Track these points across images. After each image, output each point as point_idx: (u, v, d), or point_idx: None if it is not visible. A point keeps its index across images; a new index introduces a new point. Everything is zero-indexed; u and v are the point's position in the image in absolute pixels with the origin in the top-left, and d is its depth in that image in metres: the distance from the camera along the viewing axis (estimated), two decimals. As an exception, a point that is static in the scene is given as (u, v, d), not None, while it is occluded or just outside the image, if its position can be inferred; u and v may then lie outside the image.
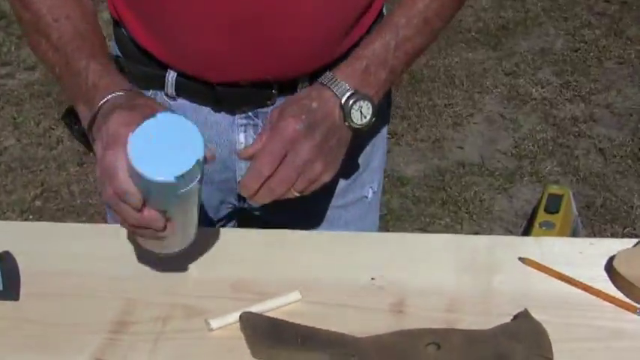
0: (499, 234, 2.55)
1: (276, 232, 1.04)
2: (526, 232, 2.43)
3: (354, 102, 1.00)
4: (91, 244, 1.05)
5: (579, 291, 0.96)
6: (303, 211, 1.18)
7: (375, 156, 1.26)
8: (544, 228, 2.18)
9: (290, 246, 1.03)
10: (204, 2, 1.01)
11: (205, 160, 0.85)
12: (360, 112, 1.01)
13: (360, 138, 1.17)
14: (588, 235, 2.50)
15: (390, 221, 2.62)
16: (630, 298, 0.95)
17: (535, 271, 0.99)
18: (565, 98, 3.23)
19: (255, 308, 0.93)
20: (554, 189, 2.36)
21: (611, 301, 0.95)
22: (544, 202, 2.30)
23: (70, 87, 1.02)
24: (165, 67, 1.10)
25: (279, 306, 0.94)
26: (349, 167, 1.20)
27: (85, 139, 1.16)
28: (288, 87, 1.09)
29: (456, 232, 2.56)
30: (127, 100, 0.94)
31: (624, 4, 3.81)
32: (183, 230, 0.93)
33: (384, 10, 1.15)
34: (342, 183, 1.22)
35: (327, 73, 1.02)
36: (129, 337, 0.91)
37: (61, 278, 0.99)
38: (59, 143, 3.05)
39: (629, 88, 3.29)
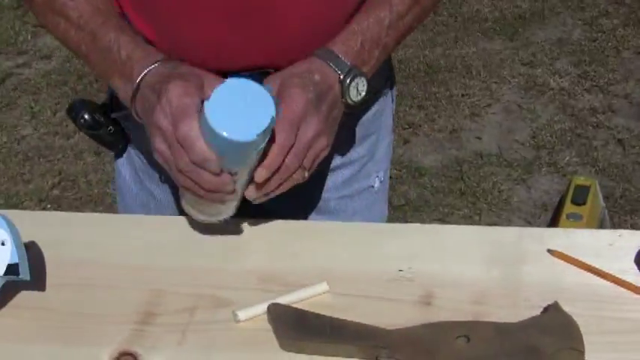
0: (518, 225, 2.54)
1: (303, 223, 1.04)
2: (552, 223, 2.41)
3: (352, 78, 1.00)
4: (115, 233, 1.04)
5: (609, 283, 0.95)
6: (309, 201, 1.18)
7: (380, 145, 1.25)
8: (571, 220, 2.16)
9: (317, 237, 1.03)
10: None
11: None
12: (357, 89, 1.01)
13: (365, 127, 1.19)
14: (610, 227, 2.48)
15: (408, 212, 2.62)
16: (661, 291, 0.94)
17: (564, 263, 0.98)
18: (583, 88, 3.21)
19: (282, 299, 0.92)
20: (580, 180, 2.34)
21: (641, 294, 0.94)
22: (571, 193, 2.28)
23: (101, 63, 1.02)
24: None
25: (306, 297, 0.93)
26: (354, 156, 1.21)
27: (92, 132, 1.18)
28: None
29: (474, 222, 2.55)
30: (173, 70, 0.95)
31: (642, -7, 3.79)
32: (240, 194, 0.95)
33: None
34: (347, 172, 1.21)
35: (324, 48, 1.01)
36: (156, 328, 0.91)
37: (86, 268, 0.99)
38: (76, 132, 3.05)
39: (648, 78, 3.28)
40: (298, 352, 0.87)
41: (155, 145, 0.94)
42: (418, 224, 1.07)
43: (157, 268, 0.98)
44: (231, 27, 1.03)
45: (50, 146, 3.07)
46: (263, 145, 0.88)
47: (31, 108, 3.29)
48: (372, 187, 1.25)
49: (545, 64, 3.37)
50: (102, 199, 2.80)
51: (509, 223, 2.56)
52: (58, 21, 1.05)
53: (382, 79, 1.22)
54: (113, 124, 1.18)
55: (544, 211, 2.62)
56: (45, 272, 0.98)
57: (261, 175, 0.92)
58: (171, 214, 1.23)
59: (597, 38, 3.52)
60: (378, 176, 1.26)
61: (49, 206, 2.78)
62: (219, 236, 1.02)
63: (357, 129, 1.19)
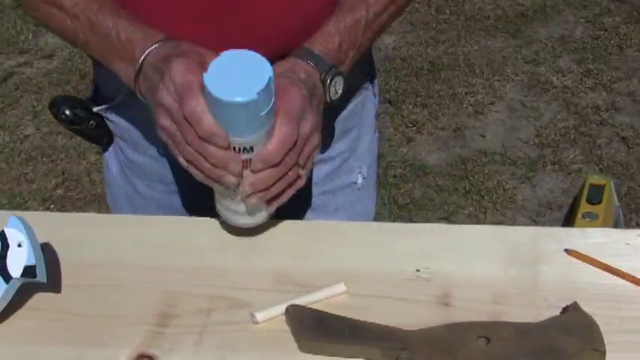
0: (523, 224, 2.54)
1: (318, 223, 1.04)
2: (567, 223, 2.40)
3: (332, 77, 1.01)
4: (129, 234, 1.04)
5: (627, 283, 0.95)
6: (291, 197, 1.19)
7: (362, 141, 1.26)
8: (587, 219, 2.16)
9: (332, 237, 1.02)
10: None
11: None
12: (335, 87, 1.02)
13: (344, 122, 1.21)
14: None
15: (413, 210, 2.61)
16: (680, 291, 0.93)
17: (581, 262, 0.98)
18: (586, 86, 3.20)
19: (300, 300, 0.92)
20: (595, 179, 2.34)
21: (660, 294, 0.93)
22: (586, 192, 2.27)
23: (101, 49, 1.03)
24: None
25: (324, 298, 0.93)
26: (335, 151, 1.22)
27: (74, 127, 1.20)
28: None
29: (479, 221, 2.55)
30: (174, 49, 0.95)
31: (645, -9, 3.79)
32: None
33: None
34: (327, 167, 1.22)
35: (303, 47, 1.02)
36: (173, 329, 0.90)
37: (100, 269, 0.98)
38: (79, 132, 3.04)
39: (651, 76, 3.28)
40: (317, 353, 0.87)
41: (159, 122, 0.94)
42: (432, 224, 1.06)
43: (172, 269, 0.98)
44: (207, 27, 1.04)
45: (53, 146, 3.06)
46: (267, 111, 0.88)
47: (34, 107, 3.28)
48: (355, 183, 1.26)
49: (548, 62, 3.37)
50: (106, 198, 2.78)
51: (514, 221, 2.55)
52: (52, 12, 1.05)
53: (361, 75, 1.23)
54: (95, 119, 1.19)
55: (549, 210, 2.61)
56: (60, 274, 0.97)
57: (256, 165, 0.91)
58: (154, 209, 1.25)
59: (600, 36, 3.52)
60: (360, 172, 1.26)
61: (52, 206, 2.77)
62: (235, 237, 1.01)
63: (337, 124, 1.20)
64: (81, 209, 2.71)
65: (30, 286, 0.92)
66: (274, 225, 1.04)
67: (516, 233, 1.03)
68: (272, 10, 1.04)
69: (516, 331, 0.87)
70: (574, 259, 0.98)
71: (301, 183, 0.98)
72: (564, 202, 2.64)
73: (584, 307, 0.90)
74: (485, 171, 2.78)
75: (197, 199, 1.22)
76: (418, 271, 0.97)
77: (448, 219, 2.57)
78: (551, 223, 2.53)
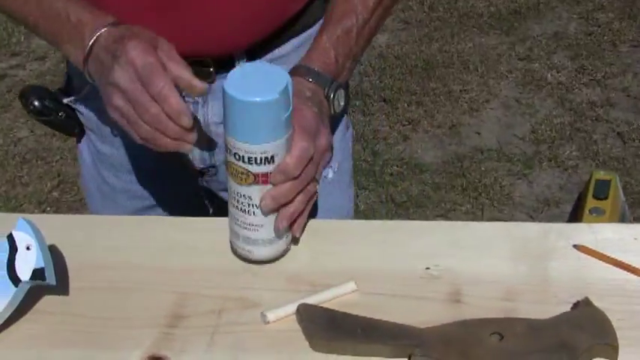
0: (521, 220, 2.54)
1: (325, 222, 1.03)
2: (573, 219, 2.40)
3: (335, 91, 1.03)
4: (136, 235, 1.03)
5: (637, 278, 0.95)
6: None
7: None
8: (594, 214, 2.15)
9: (341, 236, 1.02)
10: None
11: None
12: (338, 100, 1.04)
13: None
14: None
15: (410, 208, 2.61)
16: (690, 285, 0.93)
17: (590, 258, 0.98)
18: (581, 82, 3.21)
19: (310, 300, 0.91)
20: (601, 174, 2.33)
21: (671, 288, 0.93)
22: (592, 188, 2.27)
23: (50, 32, 1.04)
24: None
25: (334, 297, 0.92)
26: None
27: (43, 118, 1.21)
28: (225, 64, 1.10)
29: (477, 218, 2.55)
30: (127, 30, 0.96)
31: (637, -14, 3.80)
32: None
33: None
34: None
35: (302, 66, 1.04)
36: (184, 330, 0.89)
37: (108, 271, 0.98)
38: (74, 134, 3.03)
39: (646, 71, 3.28)
40: (329, 352, 0.86)
41: (113, 102, 0.95)
42: (441, 221, 1.06)
43: (181, 270, 0.97)
44: (160, 15, 1.05)
45: (47, 148, 3.05)
46: (287, 117, 0.88)
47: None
48: (326, 177, 1.26)
49: (542, 58, 3.37)
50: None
51: (511, 218, 2.56)
52: None
53: None
54: (66, 110, 1.20)
55: (547, 206, 2.62)
56: (68, 276, 0.96)
57: (275, 177, 0.91)
58: (124, 200, 1.27)
59: (593, 32, 3.53)
60: (331, 167, 1.26)
61: (48, 209, 2.76)
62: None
63: None
64: (77, 212, 2.70)
65: (37, 289, 0.91)
66: (283, 224, 1.03)
67: (524, 230, 1.03)
68: (223, 6, 1.05)
69: (529, 328, 0.87)
70: (583, 255, 0.98)
71: (315, 198, 0.98)
72: (561, 199, 2.64)
73: (596, 303, 0.89)
74: (482, 168, 2.78)
75: (166, 188, 1.24)
76: (428, 268, 0.96)
77: (445, 216, 2.57)
78: (549, 220, 2.53)
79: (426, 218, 2.54)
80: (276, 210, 0.93)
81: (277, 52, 1.15)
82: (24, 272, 0.87)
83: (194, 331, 0.89)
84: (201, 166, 1.21)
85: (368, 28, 1.09)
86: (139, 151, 1.18)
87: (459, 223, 1.05)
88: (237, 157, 0.89)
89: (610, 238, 1.00)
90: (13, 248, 0.88)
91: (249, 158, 0.88)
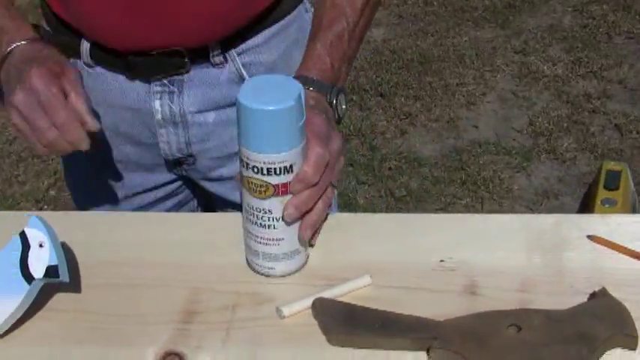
0: (521, 213, 2.54)
1: (338, 215, 1.02)
2: (584, 209, 2.38)
3: (336, 96, 1.04)
4: (148, 231, 1.02)
5: (652, 267, 0.95)
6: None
7: None
8: (607, 205, 2.14)
9: (353, 229, 1.01)
10: None
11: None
12: (340, 105, 1.04)
13: None
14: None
15: (410, 202, 2.61)
16: None
17: (604, 248, 0.97)
18: (577, 75, 3.21)
19: (326, 294, 0.90)
20: (611, 165, 2.32)
21: (686, 277, 0.93)
22: (602, 178, 2.26)
23: None
24: (80, 36, 1.14)
25: (349, 291, 0.92)
26: None
27: None
28: (199, 54, 1.12)
29: (477, 212, 2.55)
30: (39, 52, 1.01)
31: (631, -22, 3.80)
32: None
33: None
34: None
35: (300, 76, 1.04)
36: (199, 326, 0.89)
37: (120, 268, 0.97)
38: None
39: (641, 62, 3.29)
40: (346, 346, 0.86)
41: (12, 119, 1.00)
42: (454, 214, 1.06)
43: (194, 266, 0.96)
44: (134, 7, 1.06)
45: (43, 146, 3.03)
46: (302, 124, 0.87)
47: (22, 108, 3.24)
48: None
49: (538, 51, 3.37)
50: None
51: (511, 210, 2.56)
52: None
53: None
54: None
55: (545, 199, 2.61)
56: (79, 273, 0.96)
57: (295, 186, 0.90)
58: (103, 189, 1.28)
59: (588, 24, 3.53)
60: None
61: (45, 207, 2.74)
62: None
63: None
64: (75, 209, 2.68)
65: (50, 286, 0.91)
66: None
67: (537, 221, 1.02)
68: None
69: (547, 319, 0.86)
70: (597, 246, 0.98)
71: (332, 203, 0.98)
72: (560, 191, 2.64)
73: (612, 293, 0.89)
74: (481, 161, 2.78)
75: (145, 176, 1.26)
76: (442, 261, 0.96)
77: (445, 210, 2.56)
78: (549, 212, 2.53)
79: (426, 212, 2.53)
80: (299, 219, 0.92)
81: (251, 42, 1.16)
82: (37, 270, 0.86)
83: (209, 327, 0.89)
84: (179, 155, 1.21)
85: (358, 30, 1.10)
86: (117, 140, 1.21)
87: (472, 215, 1.04)
88: (255, 170, 0.87)
89: (623, 229, 1.00)
90: (25, 246, 0.87)
91: (268, 170, 0.87)
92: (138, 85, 1.15)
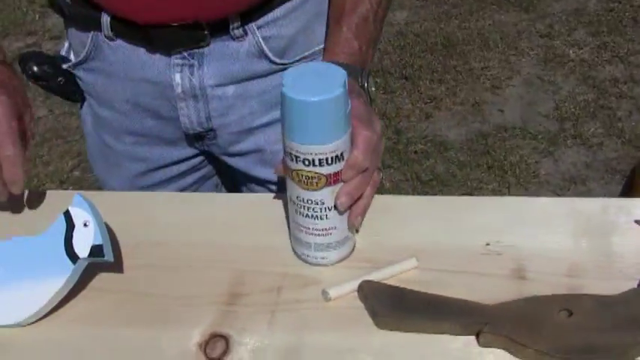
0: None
1: (383, 197, 1.01)
2: (627, 194, 2.34)
3: (367, 79, 1.03)
4: (192, 211, 1.01)
5: (702, 253, 0.93)
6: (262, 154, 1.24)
7: None
8: None
9: (399, 212, 1.00)
10: None
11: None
12: (370, 87, 1.04)
13: None
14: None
15: (436, 186, 2.59)
16: None
17: (653, 233, 0.96)
18: (603, 59, 3.18)
19: (372, 276, 0.89)
20: None
21: None
22: None
23: None
24: (101, 10, 1.12)
25: (395, 274, 0.91)
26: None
27: (41, 83, 1.23)
28: (220, 27, 1.11)
29: (503, 196, 2.53)
30: (5, 79, 1.00)
31: (658, -39, 3.76)
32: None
33: None
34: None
35: (329, 61, 1.03)
36: (244, 308, 0.88)
37: (161, 248, 0.96)
38: (93, 113, 3.01)
39: (669, 47, 3.25)
40: (394, 329, 0.85)
41: None
42: (499, 197, 1.04)
43: (238, 247, 0.95)
44: None
45: (67, 127, 3.03)
46: (349, 110, 0.85)
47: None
48: None
49: (563, 35, 3.34)
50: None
51: (538, 196, 2.53)
52: None
53: None
54: (65, 76, 1.22)
55: (573, 184, 2.59)
56: (121, 254, 0.95)
57: (347, 174, 0.88)
58: (127, 162, 1.28)
59: (614, 8, 3.49)
60: None
61: (70, 188, 2.74)
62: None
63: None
64: (99, 190, 2.68)
65: (92, 266, 0.90)
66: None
67: (584, 205, 1.01)
68: None
69: (598, 304, 0.85)
70: (646, 230, 0.96)
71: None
72: (588, 176, 2.62)
73: (662, 279, 0.88)
74: (507, 146, 2.76)
75: (167, 151, 1.26)
76: (488, 244, 0.94)
77: (472, 195, 2.55)
78: (618, 196, 2.51)
79: (452, 196, 2.52)
80: (351, 206, 0.91)
81: (271, 15, 1.14)
82: (82, 249, 0.86)
83: (254, 309, 0.88)
84: (199, 129, 1.21)
85: (381, 11, 1.09)
86: (138, 114, 1.21)
87: (517, 198, 1.03)
88: (306, 162, 0.85)
89: (672, 213, 0.98)
90: (70, 225, 0.86)
91: (319, 160, 0.85)
92: (158, 58, 1.14)
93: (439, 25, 3.45)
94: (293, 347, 0.84)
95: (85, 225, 0.86)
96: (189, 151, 1.27)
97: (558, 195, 2.54)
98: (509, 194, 2.54)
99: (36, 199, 1.04)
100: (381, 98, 2.98)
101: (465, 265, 0.92)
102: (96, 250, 0.86)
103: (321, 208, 0.88)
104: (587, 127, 2.83)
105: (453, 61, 3.20)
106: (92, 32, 1.15)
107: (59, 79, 1.21)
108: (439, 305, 0.85)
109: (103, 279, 0.92)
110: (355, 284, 0.89)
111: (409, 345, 0.83)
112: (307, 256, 0.93)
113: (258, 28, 1.13)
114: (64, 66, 1.21)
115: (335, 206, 0.88)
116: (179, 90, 1.15)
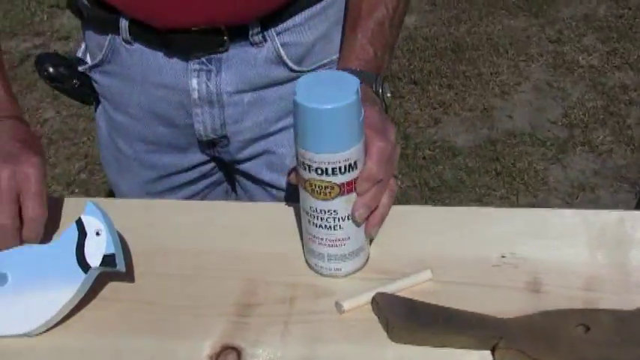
0: (556, 206, 2.50)
1: (396, 207, 1.00)
2: None
3: (382, 86, 1.02)
4: (203, 219, 1.00)
5: None
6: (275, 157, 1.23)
7: None
8: None
9: (412, 222, 0.99)
10: None
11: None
12: (385, 93, 1.03)
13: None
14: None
15: (444, 192, 2.58)
16: None
17: (669, 247, 0.95)
18: (613, 65, 3.16)
19: (386, 288, 0.88)
20: None
21: None
22: None
23: None
24: (119, 13, 1.11)
25: (410, 285, 0.89)
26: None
27: (56, 84, 1.22)
28: (239, 33, 1.10)
29: (511, 204, 2.52)
30: (6, 143, 0.95)
31: (669, -32, 3.74)
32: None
33: None
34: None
35: (343, 68, 1.02)
36: (256, 319, 0.87)
37: (175, 257, 0.95)
38: (100, 115, 3.01)
39: (679, 54, 3.23)
40: (409, 343, 0.83)
41: None
42: (513, 208, 1.03)
43: (249, 256, 0.94)
44: None
45: (74, 129, 3.02)
46: (362, 119, 0.84)
47: (52, 90, 3.23)
48: None
49: (573, 41, 3.33)
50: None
51: (546, 203, 2.52)
52: None
53: None
54: (81, 78, 1.21)
55: (582, 191, 2.58)
56: (132, 262, 0.94)
57: (362, 186, 0.87)
58: (138, 169, 1.27)
59: (624, 14, 3.48)
60: None
61: (77, 190, 2.73)
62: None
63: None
64: (106, 193, 2.68)
65: (104, 274, 0.89)
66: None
67: (599, 217, 0.99)
68: None
69: (616, 319, 0.84)
70: (663, 243, 0.95)
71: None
72: (597, 184, 2.60)
73: (680, 294, 0.86)
74: (515, 152, 2.74)
75: (179, 157, 1.25)
76: (504, 257, 0.93)
77: (480, 201, 2.53)
78: (585, 206, 2.50)
79: (461, 203, 2.50)
80: (368, 217, 0.90)
81: (291, 21, 1.13)
82: (94, 258, 0.85)
83: (267, 320, 0.87)
84: (213, 136, 1.20)
85: (398, 16, 1.08)
86: (151, 121, 1.20)
87: (532, 210, 1.01)
88: (319, 171, 0.84)
89: (689, 227, 0.97)
90: (82, 233, 0.86)
91: (333, 169, 0.83)
92: (176, 62, 1.13)
93: (448, 30, 3.44)
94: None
95: (98, 234, 0.85)
96: (201, 157, 1.26)
97: (567, 202, 2.53)
98: (518, 201, 2.53)
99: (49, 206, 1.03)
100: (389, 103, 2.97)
101: (480, 277, 0.91)
102: (108, 260, 0.85)
103: (334, 218, 0.87)
104: (597, 134, 2.81)
105: (462, 67, 3.19)
106: (110, 35, 1.14)
107: (74, 81, 1.21)
108: (454, 318, 0.84)
109: (112, 288, 0.91)
110: (369, 296, 0.88)
111: (423, 359, 0.82)
112: (320, 267, 0.91)
113: (278, 34, 1.12)
114: (80, 68, 1.21)
115: (351, 217, 0.87)
116: (195, 95, 1.14)
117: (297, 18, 1.14)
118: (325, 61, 1.18)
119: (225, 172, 1.33)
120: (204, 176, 1.30)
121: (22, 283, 0.86)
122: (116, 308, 0.89)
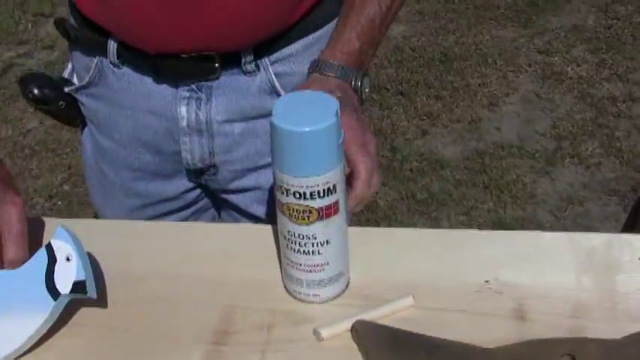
0: (545, 219, 2.48)
1: (377, 230, 0.97)
2: (629, 227, 2.29)
3: (361, 81, 1.01)
4: (178, 243, 0.98)
5: None
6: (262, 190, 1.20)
7: None
8: None
9: (393, 246, 0.96)
10: None
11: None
12: (364, 88, 1.02)
13: None
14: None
15: (431, 205, 2.55)
16: None
17: (658, 271, 0.92)
18: (602, 77, 3.15)
19: (366, 316, 0.85)
20: None
21: None
22: None
23: None
24: (108, 35, 1.09)
25: (391, 312, 0.87)
26: None
27: (42, 107, 1.19)
28: (231, 61, 1.07)
29: (499, 217, 2.50)
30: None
31: (657, -21, 3.74)
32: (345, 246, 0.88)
33: None
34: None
35: (326, 62, 1.01)
36: (233, 347, 0.84)
37: (148, 282, 0.92)
38: (85, 125, 2.98)
39: (668, 66, 3.22)
40: (389, 373, 0.81)
41: None
42: (497, 231, 1.00)
43: (226, 282, 0.92)
44: (165, 9, 1.01)
45: (57, 140, 2.99)
46: (342, 140, 0.81)
47: (36, 101, 3.20)
48: None
49: (562, 52, 3.31)
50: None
51: (535, 216, 2.50)
52: None
53: None
54: (66, 100, 1.18)
55: (570, 204, 2.56)
56: (105, 287, 0.91)
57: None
58: (122, 196, 1.24)
59: (612, 25, 3.47)
60: None
61: (59, 202, 2.70)
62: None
63: None
64: (90, 205, 2.64)
65: (74, 301, 0.86)
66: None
67: (587, 240, 0.97)
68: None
69: (603, 348, 0.81)
70: (651, 268, 0.92)
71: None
72: (585, 197, 2.58)
73: (669, 320, 0.84)
74: (503, 164, 2.72)
75: (164, 184, 1.21)
76: (487, 282, 0.91)
77: (468, 214, 2.51)
78: (573, 219, 2.48)
79: (448, 216, 2.48)
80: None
81: (285, 51, 1.11)
82: (64, 285, 0.82)
83: (243, 349, 0.84)
84: (201, 165, 1.17)
85: (390, 15, 1.07)
86: (137, 148, 1.17)
87: (517, 232, 0.99)
88: (297, 195, 0.81)
89: (679, 250, 0.95)
90: (51, 259, 0.83)
91: (311, 193, 0.81)
92: (165, 89, 1.10)
93: (436, 40, 3.42)
94: (283, 391, 0.80)
95: (68, 259, 0.82)
96: (187, 184, 1.23)
97: (555, 216, 2.51)
98: (506, 214, 2.51)
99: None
100: (376, 114, 2.95)
101: (463, 303, 0.88)
102: (78, 286, 0.82)
103: (313, 243, 0.85)
104: (585, 146, 2.79)
105: (450, 77, 3.17)
106: (97, 57, 1.11)
107: (60, 102, 1.17)
108: (437, 348, 0.81)
109: (84, 314, 0.88)
110: (349, 323, 0.85)
111: (405, 390, 0.80)
112: (299, 293, 0.89)
113: (272, 63, 1.10)
114: (67, 89, 1.17)
115: (328, 241, 0.85)
116: (184, 124, 1.11)
117: (291, 48, 1.11)
118: None
119: (212, 199, 1.30)
120: (190, 204, 1.27)
121: (-11, 311, 0.83)
122: (88, 336, 0.86)
